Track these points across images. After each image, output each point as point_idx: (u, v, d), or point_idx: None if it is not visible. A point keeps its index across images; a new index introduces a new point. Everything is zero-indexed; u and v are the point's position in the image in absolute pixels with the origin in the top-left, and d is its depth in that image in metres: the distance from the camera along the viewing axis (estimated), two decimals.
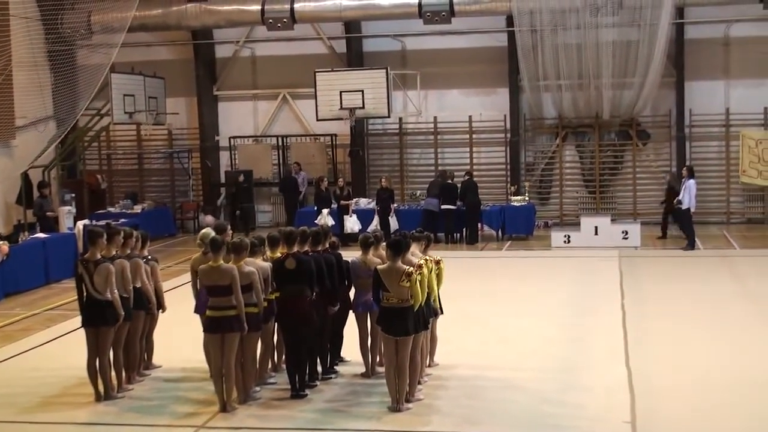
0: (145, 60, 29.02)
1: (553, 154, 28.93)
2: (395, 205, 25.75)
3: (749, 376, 11.70)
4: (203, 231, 13.17)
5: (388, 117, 27.76)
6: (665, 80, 27.05)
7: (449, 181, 25.23)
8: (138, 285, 11.75)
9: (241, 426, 10.33)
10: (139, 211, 27.40)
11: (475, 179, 25.69)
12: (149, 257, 12.31)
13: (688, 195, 22.58)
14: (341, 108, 26.86)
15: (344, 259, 12.03)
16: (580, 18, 26.25)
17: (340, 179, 26.70)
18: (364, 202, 26.68)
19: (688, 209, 22.67)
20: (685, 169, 23.72)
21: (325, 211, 24.57)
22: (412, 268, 10.47)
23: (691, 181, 22.75)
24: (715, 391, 11.16)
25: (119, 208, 27.78)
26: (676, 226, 24.18)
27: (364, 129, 29.42)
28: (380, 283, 10.60)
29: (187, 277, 13.05)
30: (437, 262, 11.38)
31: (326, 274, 11.43)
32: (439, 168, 28.11)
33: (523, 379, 11.81)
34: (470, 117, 28.87)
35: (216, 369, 10.79)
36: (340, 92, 26.79)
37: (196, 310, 11.92)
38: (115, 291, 11.12)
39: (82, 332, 11.39)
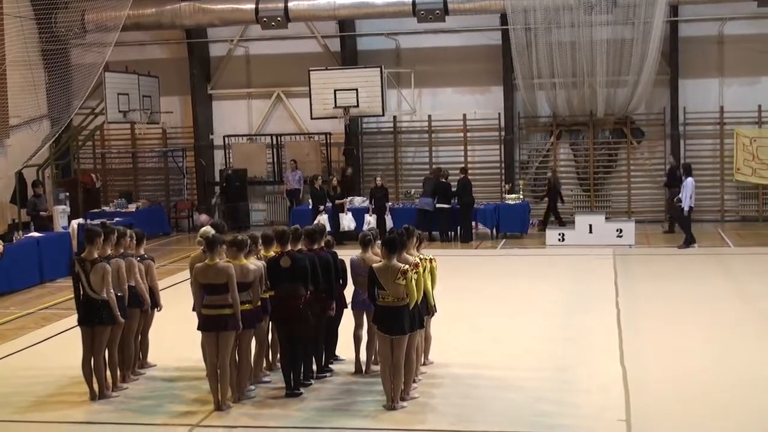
0: (139, 59, 29.02)
1: (547, 153, 28.95)
2: (390, 203, 25.77)
3: (743, 374, 11.72)
4: (203, 229, 13.19)
5: (383, 115, 27.74)
6: (659, 78, 27.07)
7: (443, 180, 25.22)
8: (132, 284, 11.76)
9: (236, 425, 10.33)
10: (133, 210, 27.39)
11: (469, 177, 25.67)
12: (145, 256, 12.32)
13: (687, 194, 22.59)
14: (335, 106, 26.85)
15: (341, 257, 12.03)
16: (574, 16, 26.29)
17: (334, 177, 26.64)
18: (359, 201, 26.69)
19: (690, 207, 22.68)
20: (681, 167, 23.75)
21: (321, 208, 24.60)
22: (407, 266, 10.48)
23: (689, 180, 22.77)
24: (709, 388, 11.17)
25: (114, 207, 27.77)
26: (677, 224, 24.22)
27: (359, 127, 29.43)
28: (376, 281, 10.60)
29: (182, 275, 13.05)
30: (430, 261, 11.38)
31: (321, 273, 11.43)
32: (434, 166, 28.09)
33: (518, 377, 11.82)
34: (464, 115, 28.88)
35: (211, 367, 10.79)
36: (335, 91, 26.77)
37: (195, 309, 11.88)
38: (112, 291, 11.11)
39: (76, 331, 11.39)
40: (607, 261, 20.88)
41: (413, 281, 10.47)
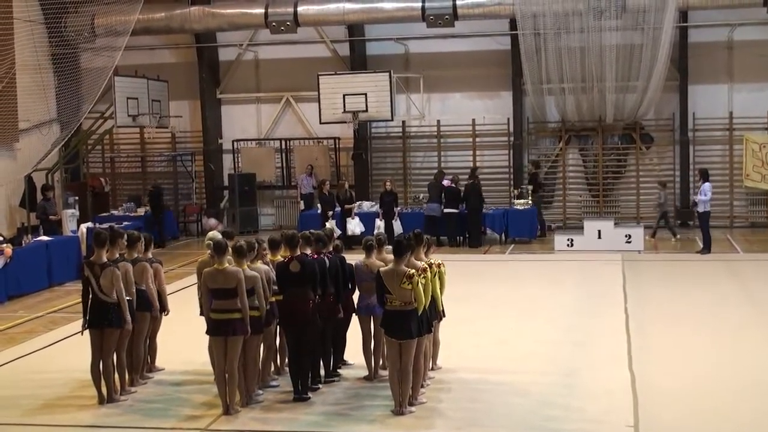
0: (149, 63, 29.07)
1: (556, 158, 28.93)
2: (399, 208, 25.74)
3: (752, 380, 11.69)
4: (210, 234, 13.21)
5: (392, 120, 27.76)
6: (669, 84, 27.04)
7: (453, 185, 25.20)
8: (143, 287, 11.79)
9: (244, 429, 10.34)
10: (142, 213, 27.42)
11: (477, 182, 25.62)
12: (153, 260, 12.33)
13: (704, 197, 22.59)
14: (344, 111, 26.87)
15: (349, 262, 12.05)
16: (583, 21, 26.28)
17: (345, 182, 26.66)
18: (368, 206, 26.68)
19: (706, 212, 22.68)
20: (698, 172, 23.76)
21: (330, 213, 24.64)
22: (413, 271, 10.46)
23: (707, 184, 22.76)
24: (718, 394, 11.15)
25: (122, 211, 27.81)
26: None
27: (368, 132, 29.44)
28: (383, 285, 10.60)
29: (190, 280, 13.06)
30: (438, 265, 11.37)
31: (330, 277, 11.44)
32: (437, 171, 28.03)
33: (526, 382, 11.80)
34: (473, 120, 28.88)
35: (219, 371, 10.80)
36: (344, 95, 26.80)
37: (203, 313, 11.89)
38: (123, 295, 11.12)
39: (85, 335, 11.40)
40: (616, 266, 20.85)
41: (420, 285, 10.45)
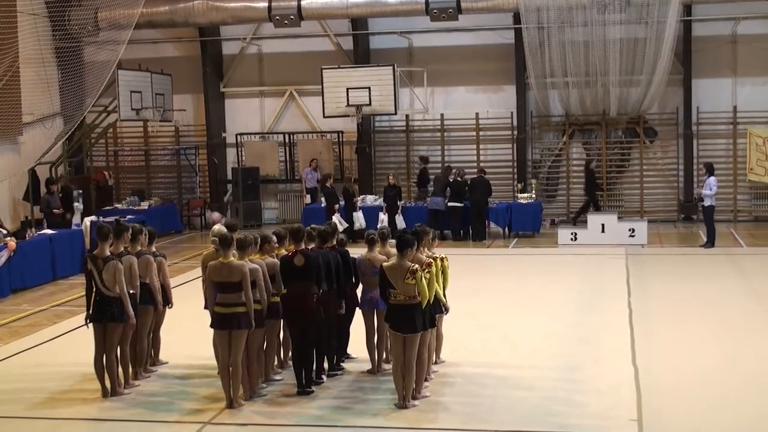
0: (152, 57, 29.05)
1: (560, 152, 28.91)
2: (402, 202, 25.73)
3: (756, 374, 11.69)
4: (216, 227, 13.22)
5: (395, 114, 27.73)
6: (672, 78, 27.02)
7: (459, 179, 25.20)
8: (147, 281, 11.79)
9: (248, 422, 10.34)
10: (146, 207, 27.45)
11: (484, 177, 25.57)
12: (157, 253, 12.33)
13: (709, 191, 22.57)
14: (348, 105, 26.85)
15: (352, 256, 12.05)
16: (587, 15, 26.25)
17: (353, 176, 26.65)
18: (371, 199, 26.68)
19: (711, 206, 22.65)
20: (704, 166, 23.74)
21: (336, 207, 24.64)
22: (416, 266, 10.45)
23: (712, 178, 22.73)
24: (721, 388, 11.14)
25: (126, 204, 27.83)
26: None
27: (371, 126, 29.42)
28: (386, 280, 10.59)
29: (194, 273, 13.07)
30: (442, 260, 11.36)
31: (334, 271, 11.44)
32: (444, 165, 28.02)
33: (529, 376, 11.80)
34: (477, 114, 28.86)
35: (223, 365, 10.80)
36: (347, 89, 26.78)
37: (207, 306, 11.87)
38: (125, 289, 11.12)
39: (88, 328, 11.41)
40: (620, 260, 20.84)
41: (424, 281, 10.43)
